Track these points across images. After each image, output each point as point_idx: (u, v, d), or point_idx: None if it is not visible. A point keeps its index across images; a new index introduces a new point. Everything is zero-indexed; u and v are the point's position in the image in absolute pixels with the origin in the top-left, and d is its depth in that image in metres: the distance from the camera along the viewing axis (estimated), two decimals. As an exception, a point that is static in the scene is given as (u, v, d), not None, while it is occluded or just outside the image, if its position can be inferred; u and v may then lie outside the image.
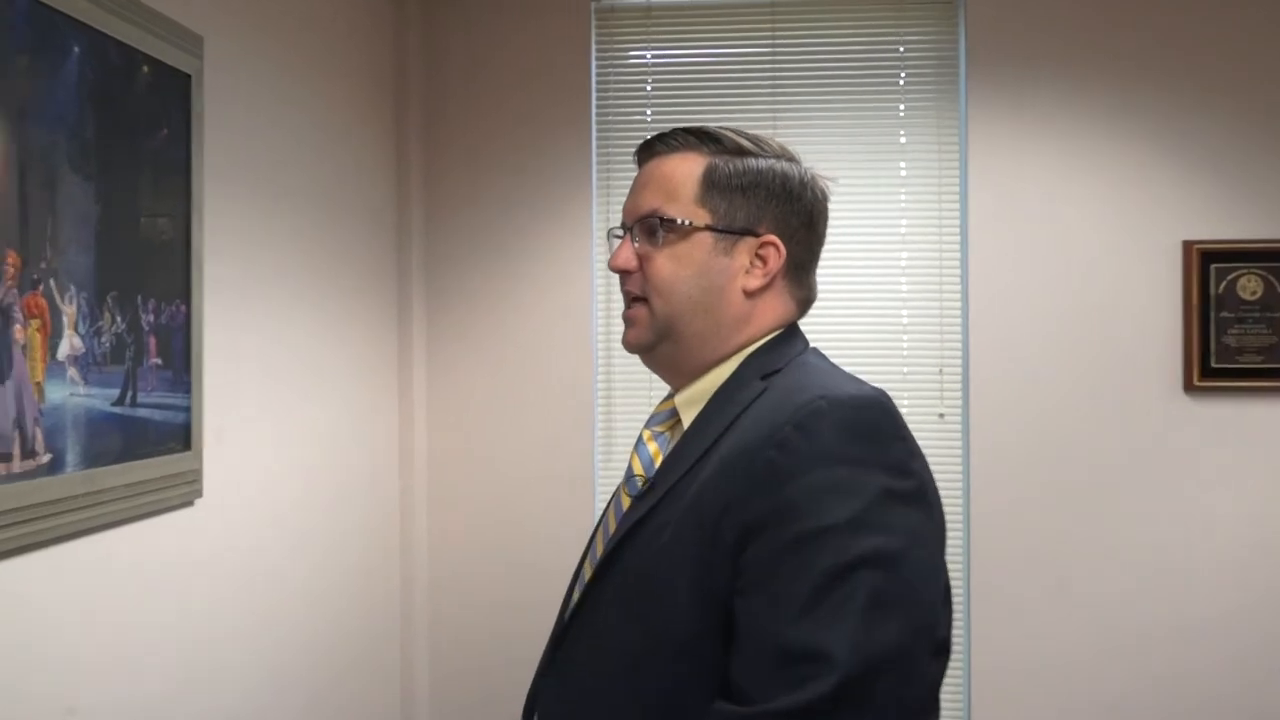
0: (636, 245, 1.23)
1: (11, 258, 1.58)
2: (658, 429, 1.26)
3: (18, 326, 1.59)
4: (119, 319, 1.86)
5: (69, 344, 1.72)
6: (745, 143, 1.24)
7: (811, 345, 1.27)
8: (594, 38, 3.52)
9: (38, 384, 1.64)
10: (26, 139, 1.61)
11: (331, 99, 2.98)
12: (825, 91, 3.45)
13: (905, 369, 3.40)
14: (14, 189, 1.58)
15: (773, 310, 1.24)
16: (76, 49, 1.73)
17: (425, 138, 3.53)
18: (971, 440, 3.33)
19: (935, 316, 3.42)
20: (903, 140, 3.43)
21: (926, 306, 3.42)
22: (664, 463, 1.20)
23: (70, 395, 1.73)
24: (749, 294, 1.21)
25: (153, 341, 1.97)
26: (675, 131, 1.25)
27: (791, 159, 1.26)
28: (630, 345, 1.27)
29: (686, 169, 1.22)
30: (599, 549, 1.21)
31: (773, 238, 1.21)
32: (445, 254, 3.54)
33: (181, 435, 2.08)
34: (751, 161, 1.23)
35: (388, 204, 3.41)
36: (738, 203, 1.21)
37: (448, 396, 3.54)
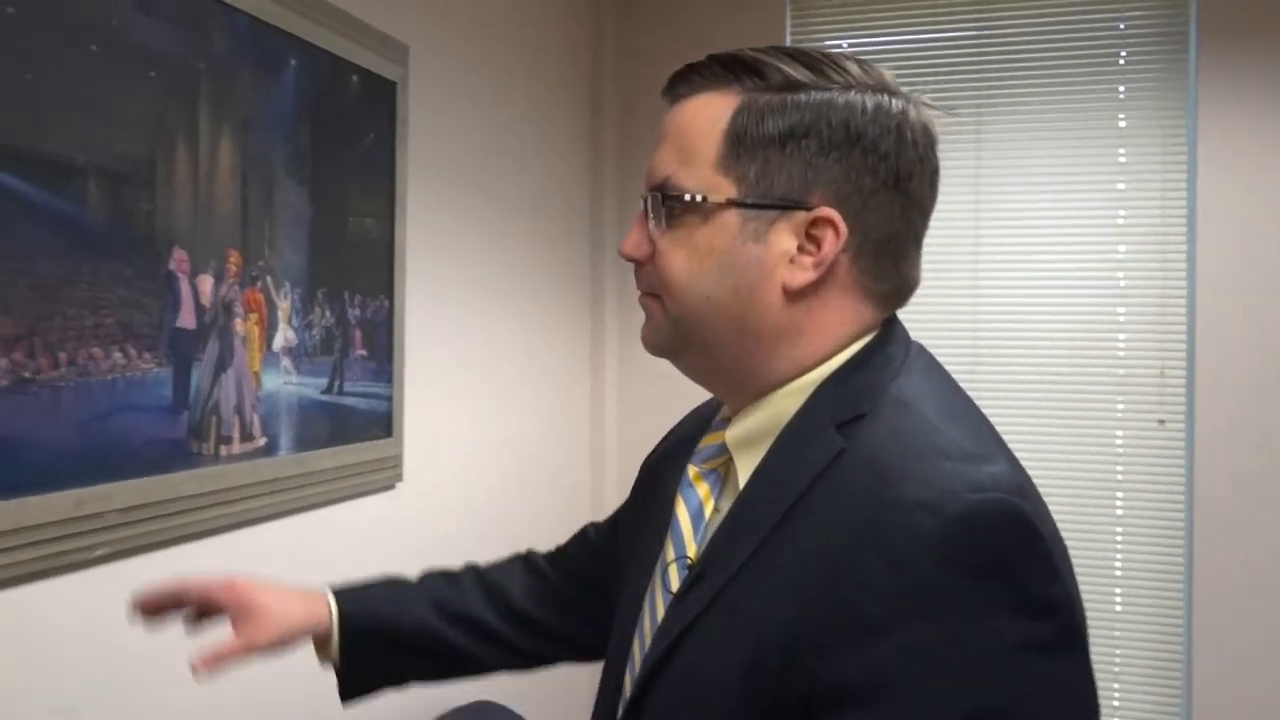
0: (651, 225, 0.91)
1: (234, 256, 1.72)
2: (705, 466, 0.95)
3: (238, 320, 1.73)
4: (328, 313, 2.00)
5: (283, 336, 1.86)
6: (797, 71, 0.86)
7: (915, 351, 0.91)
8: (789, 28, 3.47)
9: (255, 373, 1.78)
10: (249, 147, 1.76)
11: (528, 102, 3.08)
12: (1036, 74, 3.24)
13: (1121, 370, 3.15)
14: (237, 193, 1.73)
15: (839, 314, 0.88)
16: (293, 62, 1.87)
17: (620, 133, 3.59)
18: (1196, 449, 3.05)
19: (1156, 314, 3.15)
20: (1122, 124, 3.18)
21: (1146, 303, 3.16)
22: (716, 538, 0.89)
23: (284, 384, 1.87)
24: (793, 294, 0.86)
25: (358, 334, 2.11)
26: (706, 60, 0.88)
27: (876, 87, 0.86)
28: (646, 346, 0.96)
29: (709, 116, 0.87)
30: (646, 634, 0.93)
31: (828, 211, 0.84)
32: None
33: (384, 422, 2.21)
34: (800, 97, 0.85)
35: (581, 202, 3.49)
36: (776, 162, 0.85)
37: (639, 387, 3.60)
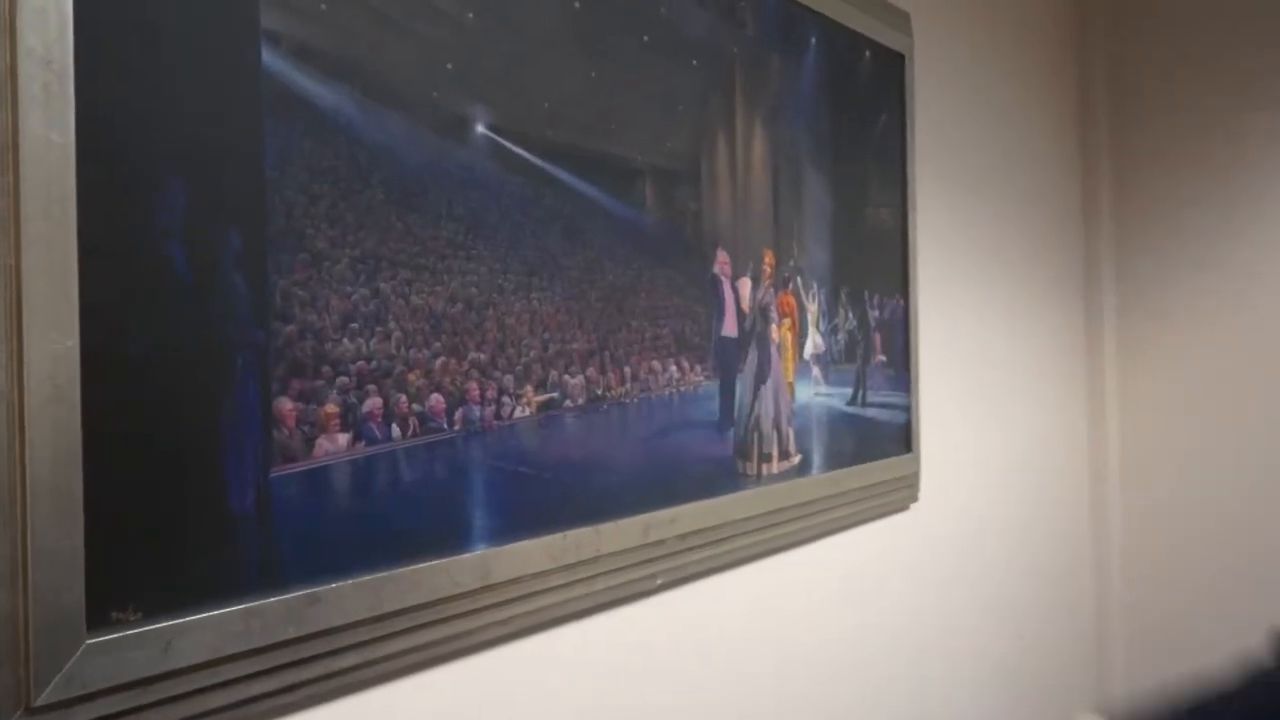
0: None
1: (768, 257, 1.57)
2: None
3: (773, 325, 1.58)
4: (850, 315, 1.80)
5: (812, 342, 1.68)
6: None
7: None
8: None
9: (789, 384, 1.62)
10: (777, 137, 1.60)
11: (1015, 86, 2.70)
12: None
13: None
14: (768, 188, 1.58)
15: None
16: (813, 40, 1.69)
17: (1112, 135, 3.10)
18: None
19: None
20: None
21: None
22: None
23: (815, 395, 1.69)
24: None
25: (878, 338, 1.89)
26: None
27: None
28: None
29: None
30: None
31: None
32: (1135, 258, 3.10)
33: (902, 436, 1.97)
34: None
35: (1073, 201, 3.03)
36: None
37: (1141, 397, 3.09)
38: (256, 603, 0.88)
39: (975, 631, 2.38)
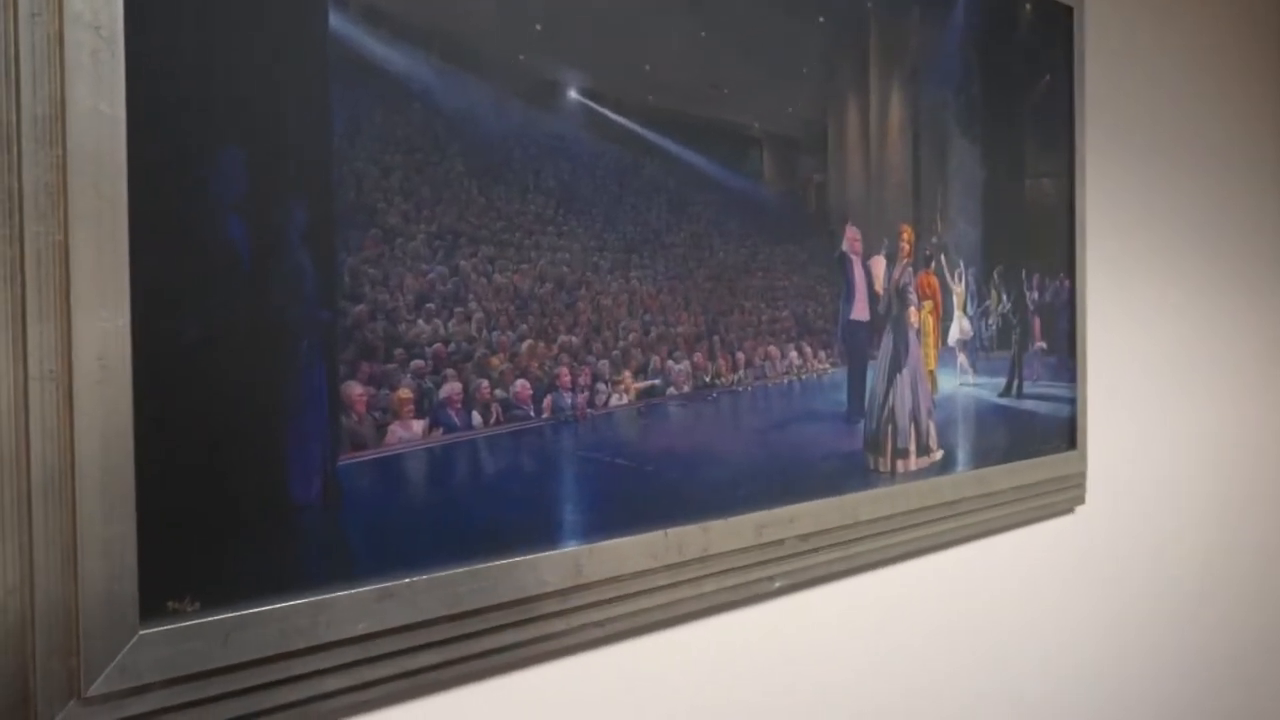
0: None
1: (906, 232, 1.43)
2: None
3: (912, 308, 1.44)
4: (1004, 298, 1.63)
5: (958, 327, 1.53)
6: None
7: None
8: None
9: (930, 372, 1.47)
10: (918, 100, 1.45)
11: (1206, 37, 2.40)
12: None
13: None
14: (907, 157, 1.43)
15: None
16: (962, -8, 1.53)
17: None
18: None
19: None
20: None
21: None
22: None
23: (960, 385, 1.53)
24: None
25: (1037, 323, 1.70)
26: None
27: None
28: None
29: None
30: None
31: None
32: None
33: (1065, 432, 1.78)
34: None
35: (1273, 180, 2.69)
36: None
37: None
38: (323, 596, 0.84)
39: (1152, 660, 2.14)
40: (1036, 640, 1.80)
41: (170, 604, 0.76)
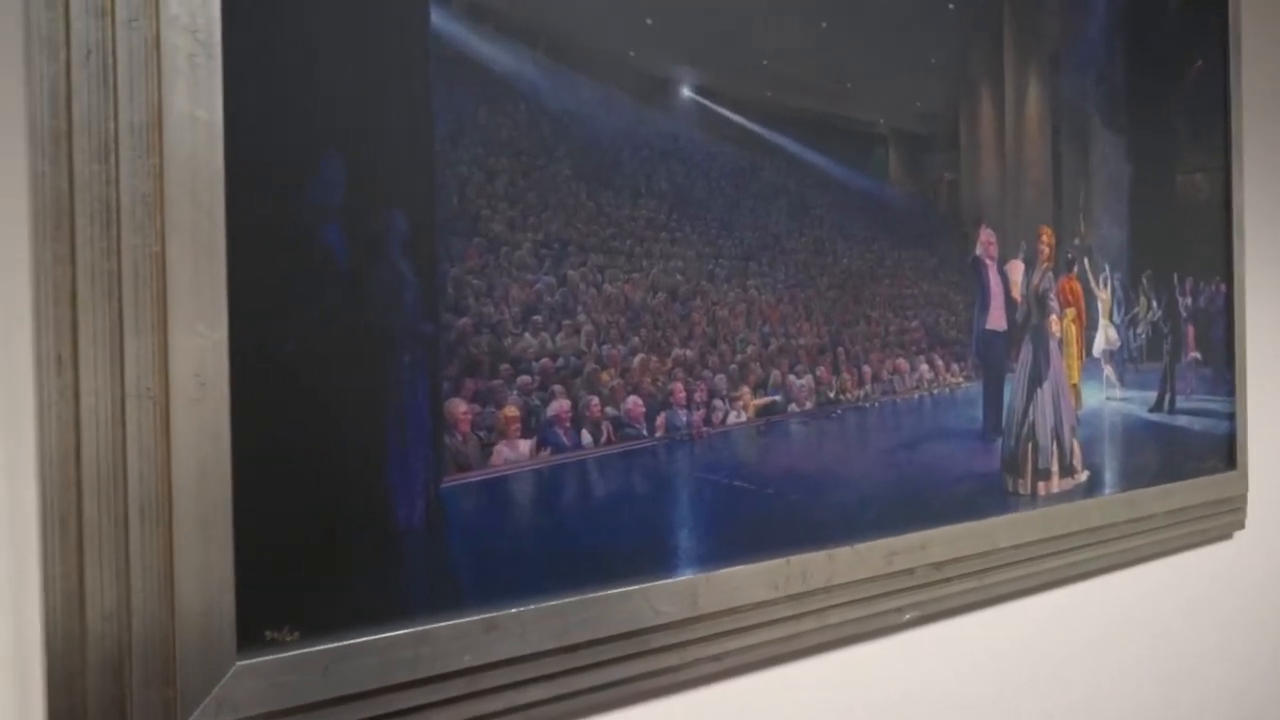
0: None
1: (1045, 235, 1.32)
2: None
3: (1053, 317, 1.32)
4: (1154, 304, 1.49)
5: (1104, 336, 1.41)
6: None
7: None
8: None
9: (1074, 386, 1.36)
10: (1058, 90, 1.34)
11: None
12: None
13: None
14: (1046, 153, 1.33)
15: None
16: (1105, -26, 1.41)
17: None
18: None
19: None
20: None
21: None
22: None
23: (1106, 399, 1.41)
24: None
25: (1190, 331, 1.56)
26: None
27: None
28: None
29: None
30: None
31: None
32: None
33: (1224, 450, 1.62)
34: None
35: None
36: None
37: None
38: (426, 627, 0.79)
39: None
40: (1192, 677, 1.65)
41: (269, 633, 0.72)
